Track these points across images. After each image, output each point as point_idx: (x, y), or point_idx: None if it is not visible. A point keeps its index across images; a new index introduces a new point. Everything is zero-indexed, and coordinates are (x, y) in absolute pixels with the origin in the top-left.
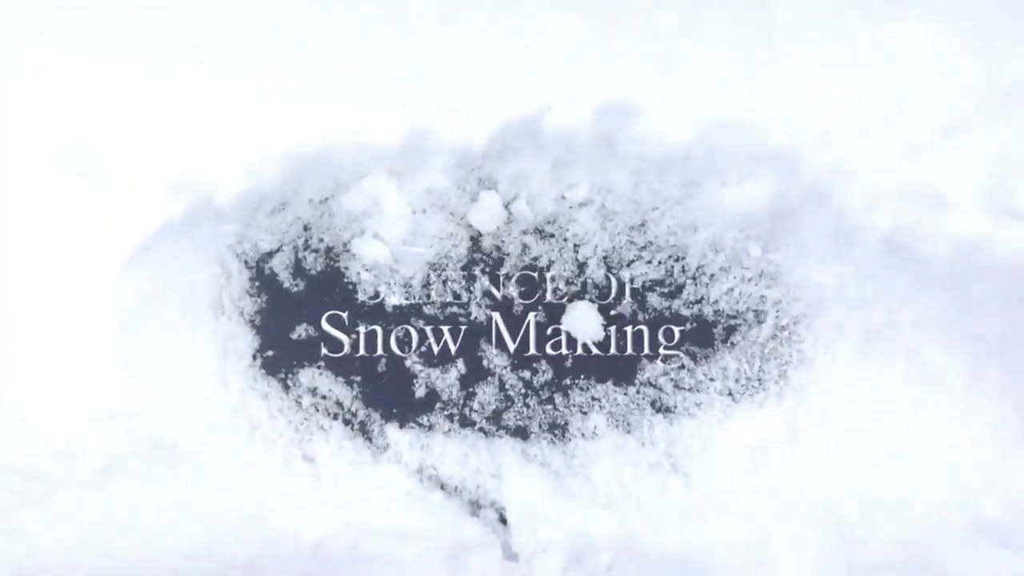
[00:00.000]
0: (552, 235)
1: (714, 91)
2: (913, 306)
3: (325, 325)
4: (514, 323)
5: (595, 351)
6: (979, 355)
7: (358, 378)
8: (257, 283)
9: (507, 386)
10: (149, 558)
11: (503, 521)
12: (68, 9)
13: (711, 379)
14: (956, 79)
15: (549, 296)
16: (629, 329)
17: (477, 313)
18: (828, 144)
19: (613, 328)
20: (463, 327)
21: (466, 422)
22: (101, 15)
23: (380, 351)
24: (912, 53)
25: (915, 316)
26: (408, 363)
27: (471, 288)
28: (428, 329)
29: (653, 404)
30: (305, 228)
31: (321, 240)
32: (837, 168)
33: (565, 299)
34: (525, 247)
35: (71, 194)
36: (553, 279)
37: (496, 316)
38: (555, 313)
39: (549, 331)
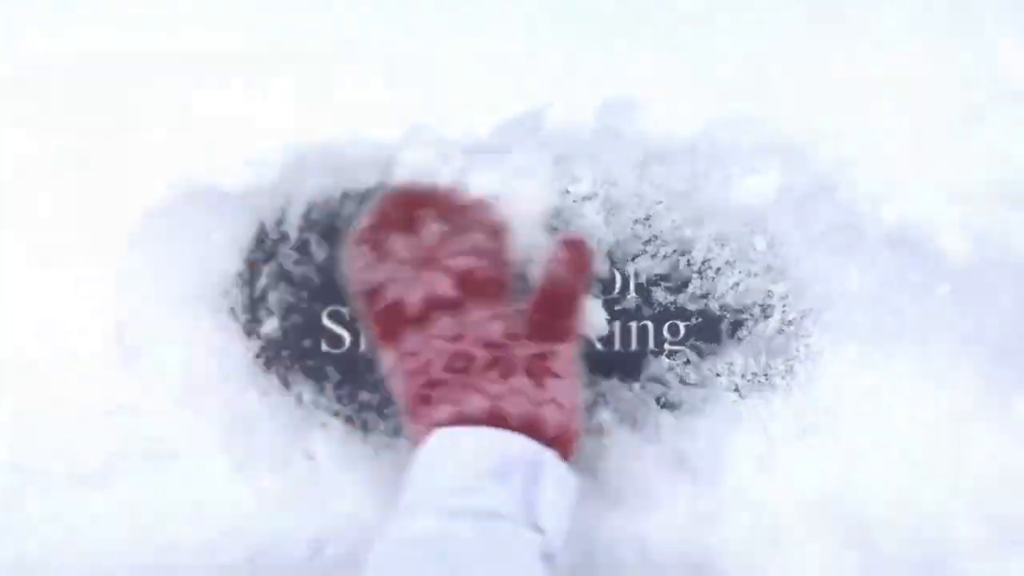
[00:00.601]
0: (556, 229)
1: (720, 84)
2: (922, 301)
3: (326, 321)
4: None
5: (599, 347)
6: (989, 350)
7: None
8: None
9: None
10: (148, 556)
11: None
12: (68, 9)
13: (717, 374)
14: (966, 70)
15: None
16: (634, 324)
17: None
18: (835, 137)
19: (618, 323)
20: None
21: None
22: (101, 15)
23: None
24: (921, 44)
25: (924, 311)
26: None
27: None
28: None
29: (658, 400)
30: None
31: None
32: (845, 161)
33: None
34: None
35: (71, 194)
36: None
37: None
38: None
39: None
